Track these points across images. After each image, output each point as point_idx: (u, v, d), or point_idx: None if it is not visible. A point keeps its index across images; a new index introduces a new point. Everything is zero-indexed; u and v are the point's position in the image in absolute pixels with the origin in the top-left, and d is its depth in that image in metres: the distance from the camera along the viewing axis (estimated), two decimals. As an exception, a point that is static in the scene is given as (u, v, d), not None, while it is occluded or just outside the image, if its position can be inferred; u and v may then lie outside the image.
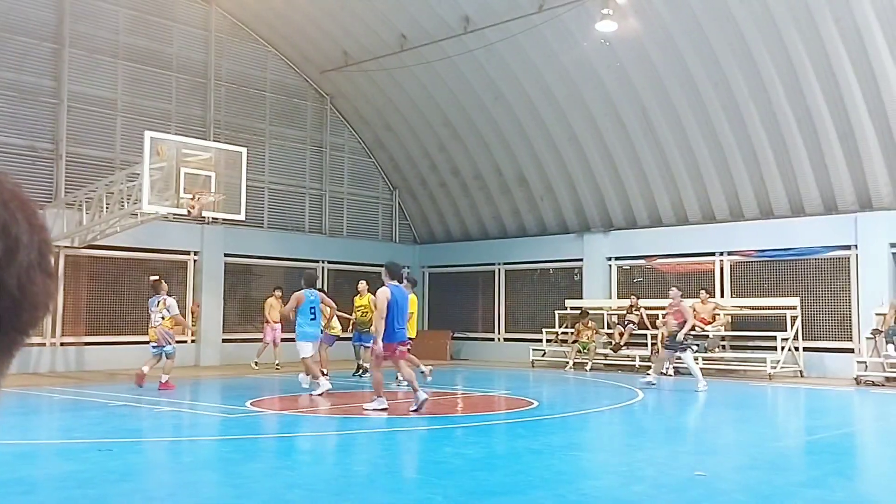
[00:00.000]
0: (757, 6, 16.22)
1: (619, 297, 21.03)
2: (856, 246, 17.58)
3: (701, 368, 18.18)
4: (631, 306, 19.78)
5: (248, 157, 16.89)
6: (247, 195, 16.65)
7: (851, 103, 16.55)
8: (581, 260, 21.74)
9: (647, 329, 19.05)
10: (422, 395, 10.68)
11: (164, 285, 14.55)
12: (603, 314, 20.83)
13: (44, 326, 17.73)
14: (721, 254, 19.54)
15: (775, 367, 17.05)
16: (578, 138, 20.45)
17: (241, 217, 16.45)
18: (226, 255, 20.71)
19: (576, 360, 19.69)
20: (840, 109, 16.80)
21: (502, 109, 20.99)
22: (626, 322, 19.64)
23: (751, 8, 16.29)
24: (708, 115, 18.34)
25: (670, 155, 19.46)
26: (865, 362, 16.20)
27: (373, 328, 11.66)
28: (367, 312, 16.05)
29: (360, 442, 9.33)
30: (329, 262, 23.08)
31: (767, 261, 18.91)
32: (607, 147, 20.21)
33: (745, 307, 18.94)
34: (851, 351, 17.20)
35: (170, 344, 13.99)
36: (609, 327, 20.37)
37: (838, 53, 16.11)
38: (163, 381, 13.68)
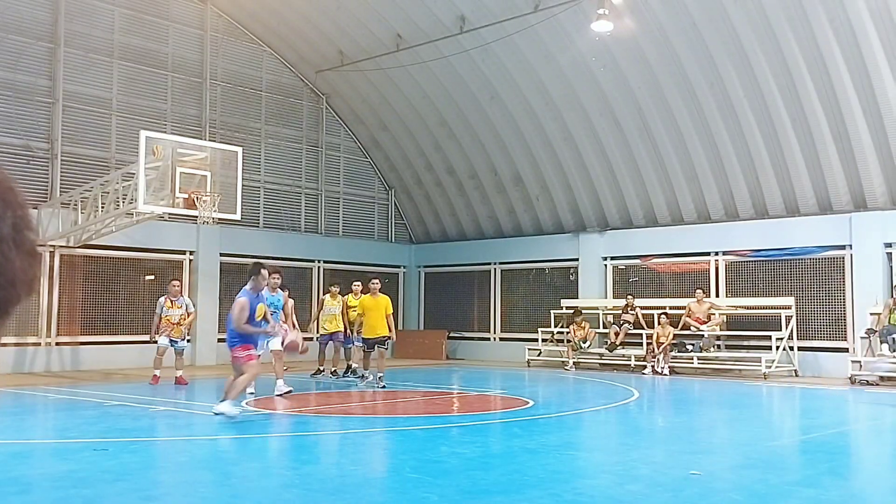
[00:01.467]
0: (752, 7, 16.25)
1: (614, 297, 21.06)
2: (850, 246, 17.62)
3: (696, 368, 18.29)
4: (626, 306, 19.80)
5: (243, 156, 16.89)
6: (242, 195, 16.66)
7: (846, 103, 16.60)
8: (577, 259, 21.77)
9: (643, 329, 19.07)
10: (235, 410, 10.07)
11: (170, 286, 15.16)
12: (598, 314, 20.86)
13: (39, 326, 17.73)
14: (716, 253, 19.57)
15: (770, 367, 17.09)
16: (574, 138, 20.48)
17: (237, 217, 16.44)
18: (221, 254, 20.69)
19: (571, 360, 19.72)
20: (835, 109, 16.84)
21: (498, 109, 21.01)
22: (621, 322, 19.67)
23: (746, 8, 16.33)
24: (703, 115, 18.37)
25: (666, 155, 19.49)
26: (860, 362, 16.24)
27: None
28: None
29: (355, 441, 9.33)
30: (325, 262, 23.08)
31: (762, 260, 18.95)
32: (603, 147, 20.24)
33: (740, 307, 18.98)
34: (846, 350, 17.25)
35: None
36: (605, 327, 20.40)
37: (833, 54, 16.15)
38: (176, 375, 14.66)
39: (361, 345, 14.89)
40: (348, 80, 22.34)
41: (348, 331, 15.97)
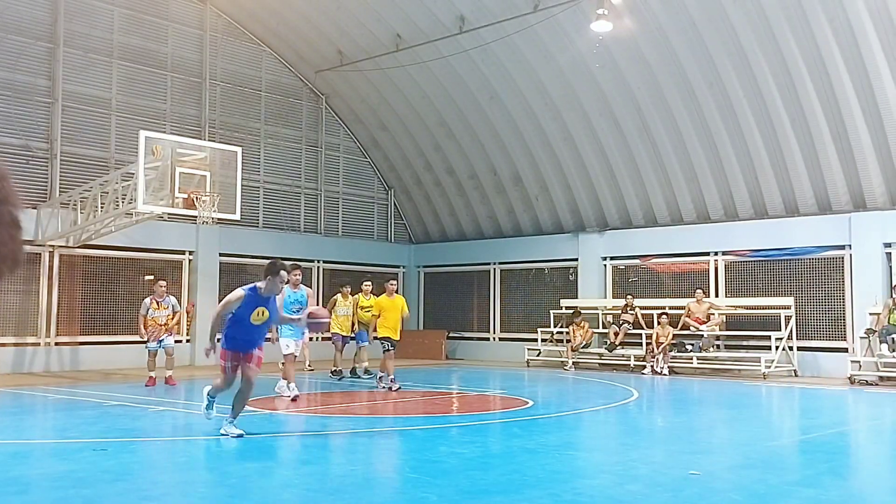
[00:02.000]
0: (751, 7, 16.25)
1: (613, 297, 21.07)
2: (849, 246, 17.63)
3: (695, 368, 18.30)
4: (626, 306, 19.81)
5: (243, 156, 16.90)
6: (242, 195, 16.66)
7: (845, 103, 16.60)
8: (576, 259, 21.77)
9: (642, 329, 19.07)
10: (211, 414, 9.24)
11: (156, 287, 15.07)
12: (598, 314, 20.87)
13: (38, 326, 17.72)
14: (716, 253, 19.58)
15: (770, 367, 17.10)
16: (573, 138, 20.48)
17: (237, 217, 16.45)
18: (221, 254, 20.69)
19: (570, 360, 19.72)
20: (834, 109, 16.85)
21: (497, 109, 21.00)
22: (621, 322, 19.67)
23: (745, 8, 16.33)
24: (703, 115, 18.37)
25: (665, 155, 19.50)
26: (859, 362, 16.25)
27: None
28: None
29: (354, 441, 9.32)
30: (324, 262, 23.08)
31: (762, 260, 18.95)
32: (602, 147, 20.24)
33: (739, 307, 18.99)
34: (845, 350, 17.25)
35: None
36: (604, 327, 20.40)
37: (832, 54, 16.16)
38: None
39: (368, 344, 14.96)
40: (348, 80, 22.33)
41: (355, 330, 16.33)
